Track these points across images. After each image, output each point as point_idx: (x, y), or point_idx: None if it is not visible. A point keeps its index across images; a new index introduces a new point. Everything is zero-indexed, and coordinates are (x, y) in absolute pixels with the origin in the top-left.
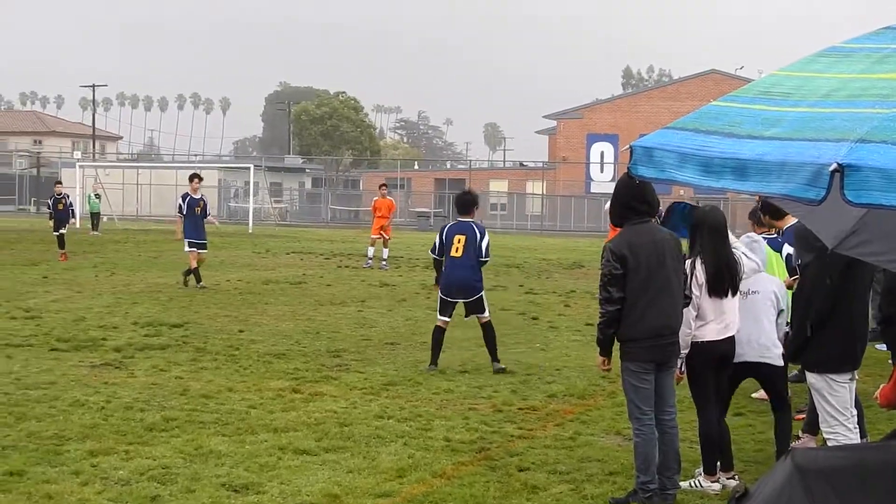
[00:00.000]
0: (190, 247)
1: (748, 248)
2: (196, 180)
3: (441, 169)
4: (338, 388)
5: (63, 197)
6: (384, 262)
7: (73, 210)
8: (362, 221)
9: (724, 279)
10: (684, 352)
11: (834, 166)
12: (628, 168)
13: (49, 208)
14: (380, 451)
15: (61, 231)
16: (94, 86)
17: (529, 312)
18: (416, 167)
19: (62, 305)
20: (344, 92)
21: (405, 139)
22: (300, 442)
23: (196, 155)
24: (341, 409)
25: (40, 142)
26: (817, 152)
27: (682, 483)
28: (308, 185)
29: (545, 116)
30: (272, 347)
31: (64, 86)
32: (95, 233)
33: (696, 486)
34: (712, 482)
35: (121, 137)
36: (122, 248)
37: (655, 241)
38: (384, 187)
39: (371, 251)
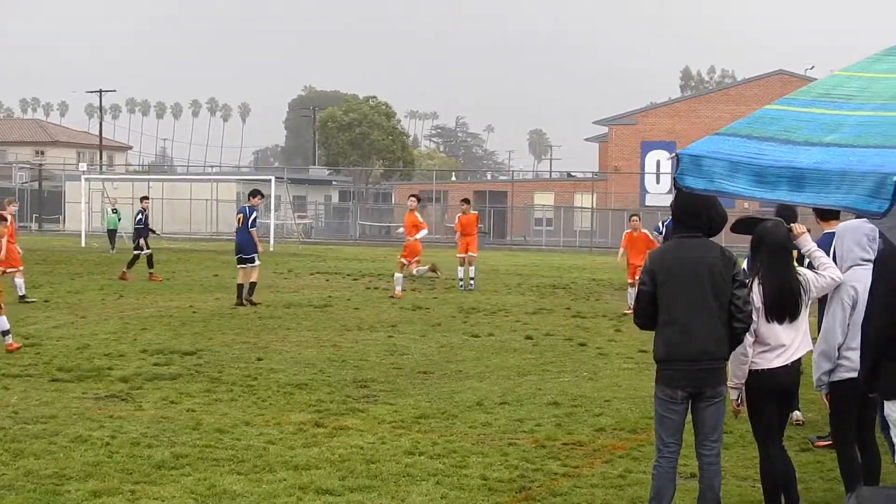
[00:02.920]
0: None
1: (860, 245)
2: (259, 196)
3: (481, 180)
4: (365, 422)
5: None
6: (471, 282)
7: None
8: (393, 238)
9: (785, 303)
10: (740, 381)
11: None
12: (674, 178)
13: (141, 224)
14: (410, 490)
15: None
16: (100, 91)
17: (577, 338)
18: (454, 179)
19: (65, 332)
20: (374, 96)
21: (441, 148)
22: (323, 481)
23: (213, 166)
24: (368, 444)
25: (43, 153)
26: (881, 160)
27: None
28: (335, 198)
29: (595, 122)
30: (293, 377)
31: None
32: (112, 251)
33: None
34: None
35: (130, 147)
36: (132, 269)
37: (696, 259)
38: (466, 203)
39: (461, 272)
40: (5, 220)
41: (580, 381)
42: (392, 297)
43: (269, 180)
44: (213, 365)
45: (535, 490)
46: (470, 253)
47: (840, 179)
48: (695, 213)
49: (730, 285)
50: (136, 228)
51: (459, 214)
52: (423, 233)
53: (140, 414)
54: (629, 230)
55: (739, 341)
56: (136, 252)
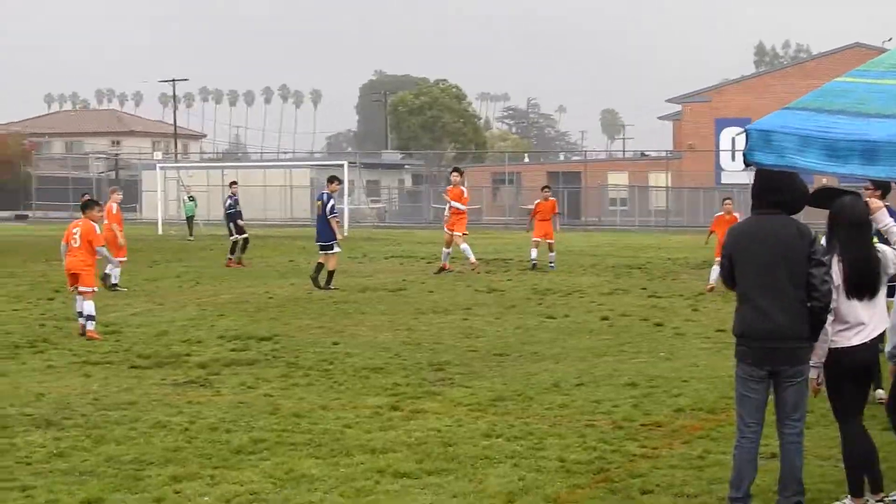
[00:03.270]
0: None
1: None
2: (336, 182)
3: (554, 161)
4: (441, 405)
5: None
6: (552, 264)
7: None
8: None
9: (864, 280)
10: (820, 360)
11: None
12: (744, 154)
13: (231, 209)
14: (487, 473)
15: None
16: (174, 80)
17: (653, 318)
18: (527, 160)
19: (143, 319)
20: (445, 79)
21: (513, 129)
22: (400, 464)
23: (286, 152)
24: (445, 427)
25: (119, 142)
26: None
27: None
28: (408, 182)
29: (669, 101)
30: (369, 361)
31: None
32: (191, 238)
33: None
34: None
35: (204, 135)
36: (208, 255)
37: (770, 237)
38: (547, 189)
39: (535, 253)
40: (99, 204)
41: (657, 361)
42: (473, 269)
43: (342, 165)
44: (289, 350)
45: (613, 471)
46: (548, 239)
47: None
48: (773, 188)
49: (806, 264)
50: (226, 214)
51: (539, 200)
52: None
53: (218, 399)
54: (721, 213)
55: (820, 320)
56: (236, 238)
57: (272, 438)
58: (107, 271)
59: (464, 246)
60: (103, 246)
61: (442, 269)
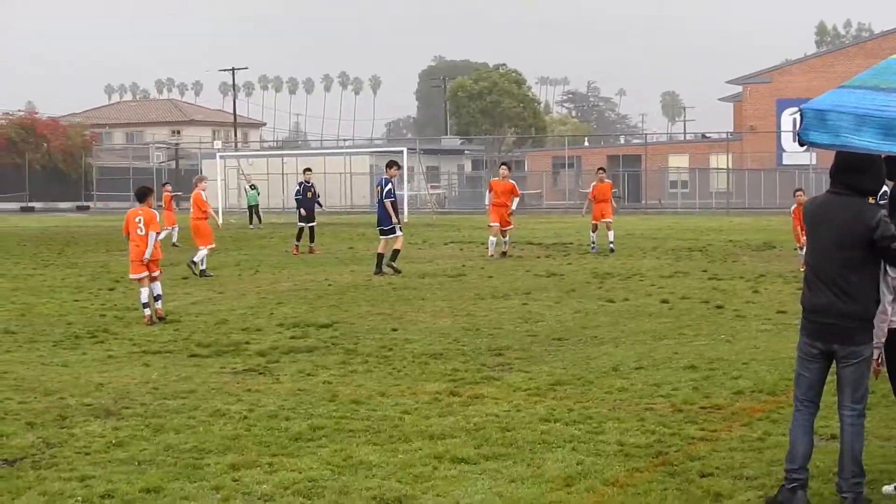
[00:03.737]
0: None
1: None
2: (395, 167)
3: (614, 145)
4: (500, 390)
5: (311, 185)
6: (611, 245)
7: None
8: (528, 206)
9: None
10: (880, 340)
11: None
12: (798, 134)
13: (299, 195)
14: (545, 457)
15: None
16: (233, 69)
17: (713, 300)
18: (587, 144)
19: (203, 308)
20: (504, 64)
21: (573, 113)
22: (458, 449)
23: (346, 139)
24: (503, 412)
25: (179, 132)
26: None
27: (886, 487)
28: (468, 167)
29: (729, 82)
30: (428, 347)
31: (201, 71)
32: (252, 227)
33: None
34: None
35: (264, 124)
36: (268, 243)
37: (831, 215)
38: (602, 171)
39: (594, 236)
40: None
41: (717, 343)
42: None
43: (402, 152)
44: (348, 337)
45: (672, 455)
46: (605, 219)
47: None
48: (846, 169)
49: (865, 245)
50: (295, 199)
51: (595, 182)
52: (516, 201)
53: (277, 387)
54: (795, 205)
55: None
56: (301, 225)
57: (331, 425)
58: (195, 259)
59: (492, 239)
60: (159, 233)
61: (504, 254)
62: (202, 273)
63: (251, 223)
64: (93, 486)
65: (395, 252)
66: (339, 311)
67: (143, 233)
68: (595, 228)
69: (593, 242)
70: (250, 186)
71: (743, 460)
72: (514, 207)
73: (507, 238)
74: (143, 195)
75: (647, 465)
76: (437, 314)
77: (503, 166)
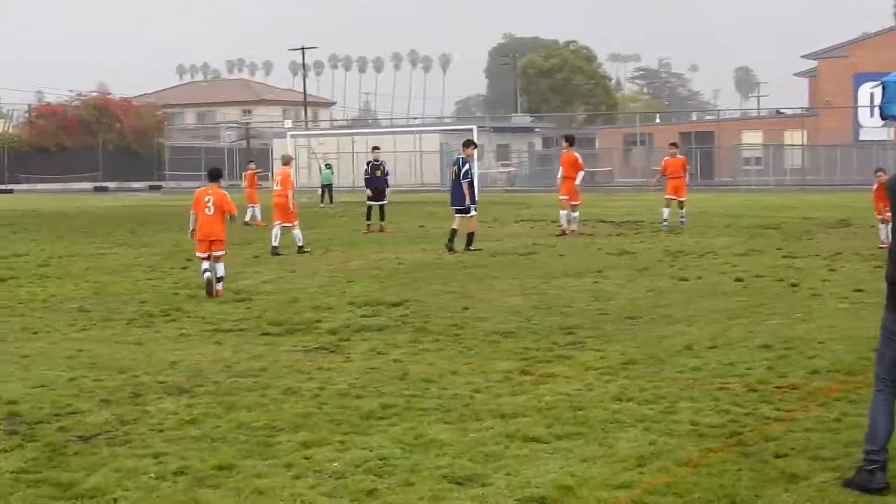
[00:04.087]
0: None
1: None
2: (472, 146)
3: (686, 121)
4: (571, 369)
5: (380, 164)
6: (682, 220)
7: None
8: (600, 184)
9: None
10: None
11: None
12: (880, 108)
13: (367, 174)
14: (618, 437)
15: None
16: (303, 48)
17: (788, 279)
18: (658, 121)
19: (274, 286)
20: (575, 41)
21: (645, 90)
22: (529, 428)
23: (415, 118)
24: (575, 391)
25: (249, 111)
26: None
27: None
28: (538, 145)
29: (804, 56)
30: (499, 325)
31: (272, 50)
32: (323, 205)
33: None
34: None
35: (334, 103)
36: (338, 222)
37: None
38: (674, 146)
39: (667, 213)
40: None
41: (793, 322)
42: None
43: (472, 130)
44: (419, 315)
45: (746, 435)
46: (678, 196)
47: None
48: None
49: None
50: (364, 178)
51: (666, 157)
52: (580, 175)
53: (348, 365)
54: (877, 185)
55: None
56: (370, 203)
57: (402, 404)
58: (300, 244)
59: (562, 212)
60: (235, 213)
61: (563, 233)
62: (300, 249)
63: (322, 201)
64: (166, 463)
65: (470, 235)
66: (410, 290)
67: (211, 213)
68: (667, 204)
69: (665, 220)
70: (325, 165)
71: (819, 441)
72: (577, 181)
73: (575, 214)
74: (214, 175)
75: (721, 446)
76: (507, 292)
77: (564, 140)
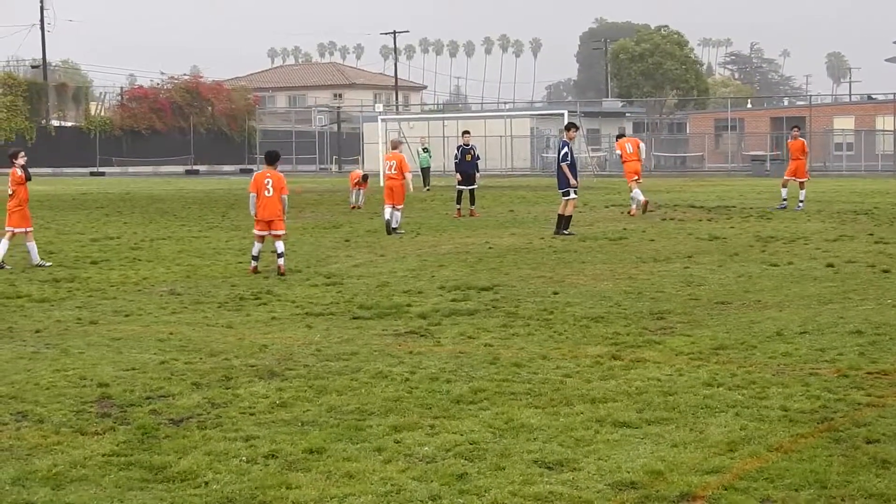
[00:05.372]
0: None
1: None
2: (573, 129)
3: (777, 107)
4: (661, 354)
5: (471, 148)
6: (800, 203)
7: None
8: (689, 169)
9: None
10: None
11: None
12: None
13: (456, 159)
14: (708, 422)
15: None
16: (394, 32)
17: (880, 264)
18: (749, 106)
19: (365, 270)
20: (666, 26)
21: (736, 75)
22: (620, 413)
23: (506, 102)
24: (665, 376)
25: (340, 95)
26: None
27: None
28: (629, 130)
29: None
30: (589, 310)
31: (363, 34)
32: (426, 188)
33: None
34: None
35: (425, 87)
36: (429, 206)
37: None
38: (797, 129)
39: (784, 192)
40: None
41: (884, 308)
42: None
43: (563, 114)
44: (509, 300)
45: (837, 421)
46: (799, 178)
47: None
48: None
49: None
50: (455, 163)
51: (788, 140)
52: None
53: (438, 349)
54: None
55: None
56: (460, 188)
57: (492, 388)
58: (387, 217)
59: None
60: (288, 195)
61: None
62: (394, 230)
63: (426, 185)
64: (257, 446)
65: (562, 218)
66: (500, 274)
67: (271, 194)
68: (785, 184)
69: (784, 199)
70: (423, 149)
71: None
72: (642, 156)
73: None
74: (272, 159)
75: (812, 431)
76: (597, 277)
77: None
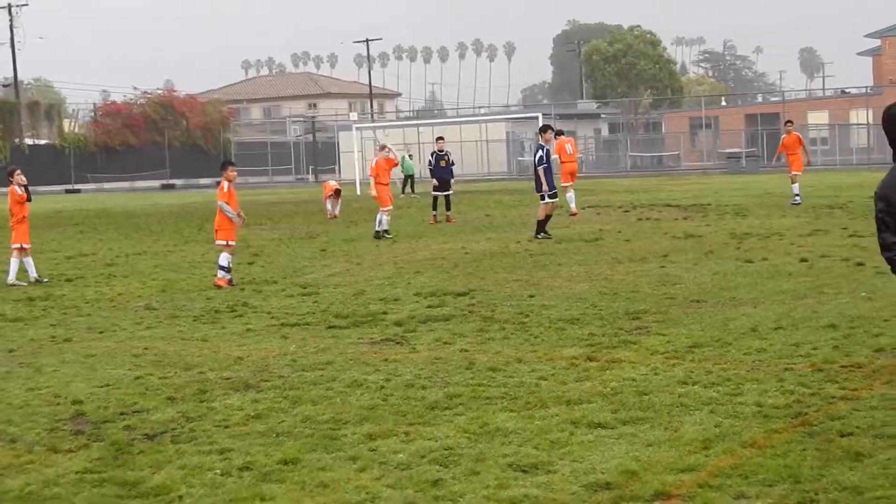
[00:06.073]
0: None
1: None
2: (548, 131)
3: (752, 103)
4: (637, 354)
5: (445, 154)
6: (797, 198)
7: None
8: (665, 168)
9: None
10: None
11: None
12: None
13: (430, 165)
14: (683, 420)
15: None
16: (367, 40)
17: (854, 258)
18: (724, 104)
19: (341, 279)
20: (639, 26)
21: (710, 73)
22: (595, 414)
23: (481, 107)
24: (640, 376)
25: (315, 105)
26: None
27: None
28: (604, 131)
29: (868, 35)
30: (565, 312)
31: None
32: (413, 195)
33: None
34: None
35: (399, 94)
36: (405, 213)
37: None
38: (790, 123)
39: (796, 188)
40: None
41: (858, 301)
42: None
43: (538, 117)
44: (485, 304)
45: (811, 415)
46: (792, 171)
47: None
48: None
49: None
50: (429, 169)
51: (783, 136)
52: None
53: (414, 356)
54: None
55: None
56: (435, 194)
57: (467, 393)
58: (378, 228)
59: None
60: (225, 202)
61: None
62: (384, 234)
63: (403, 192)
64: (231, 459)
65: (539, 222)
66: (476, 279)
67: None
68: (794, 179)
69: (795, 194)
70: (409, 156)
71: (884, 419)
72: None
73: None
74: (223, 166)
75: (787, 426)
76: (573, 279)
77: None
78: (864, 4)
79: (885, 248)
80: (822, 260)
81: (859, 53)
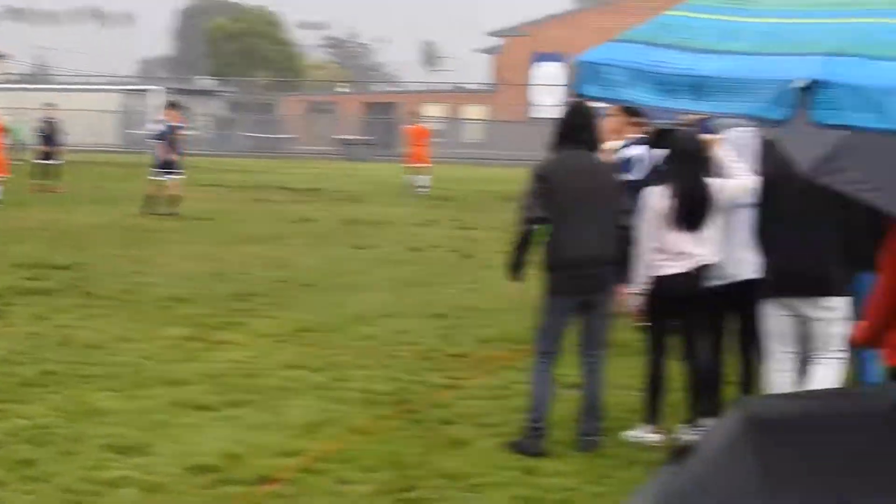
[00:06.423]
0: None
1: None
2: (173, 108)
3: (371, 91)
4: (244, 336)
5: (53, 122)
6: (424, 189)
7: None
8: (282, 150)
9: (692, 211)
10: (640, 286)
11: (801, 83)
12: (573, 87)
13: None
14: (289, 404)
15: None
16: None
17: (462, 250)
18: (346, 90)
19: None
20: (265, 7)
21: (334, 59)
22: (198, 396)
23: (94, 76)
24: (247, 358)
25: None
26: (784, 67)
27: (626, 433)
28: (223, 110)
29: (490, 34)
30: (172, 290)
31: None
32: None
33: None
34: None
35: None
36: (11, 180)
37: (587, 169)
38: (414, 115)
39: (424, 179)
40: None
41: (466, 292)
42: None
43: (151, 90)
44: (89, 279)
45: (415, 402)
46: (416, 164)
47: (742, 87)
48: (581, 126)
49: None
50: (37, 137)
51: (408, 126)
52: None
53: (10, 331)
54: None
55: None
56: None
57: (64, 371)
58: None
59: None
60: None
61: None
62: None
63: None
64: None
65: (153, 197)
66: (81, 253)
67: None
68: (417, 171)
69: (424, 185)
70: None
71: (485, 408)
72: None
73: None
74: None
75: (392, 413)
76: (184, 257)
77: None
78: (488, 3)
79: (526, 221)
80: (433, 250)
81: (479, 51)
